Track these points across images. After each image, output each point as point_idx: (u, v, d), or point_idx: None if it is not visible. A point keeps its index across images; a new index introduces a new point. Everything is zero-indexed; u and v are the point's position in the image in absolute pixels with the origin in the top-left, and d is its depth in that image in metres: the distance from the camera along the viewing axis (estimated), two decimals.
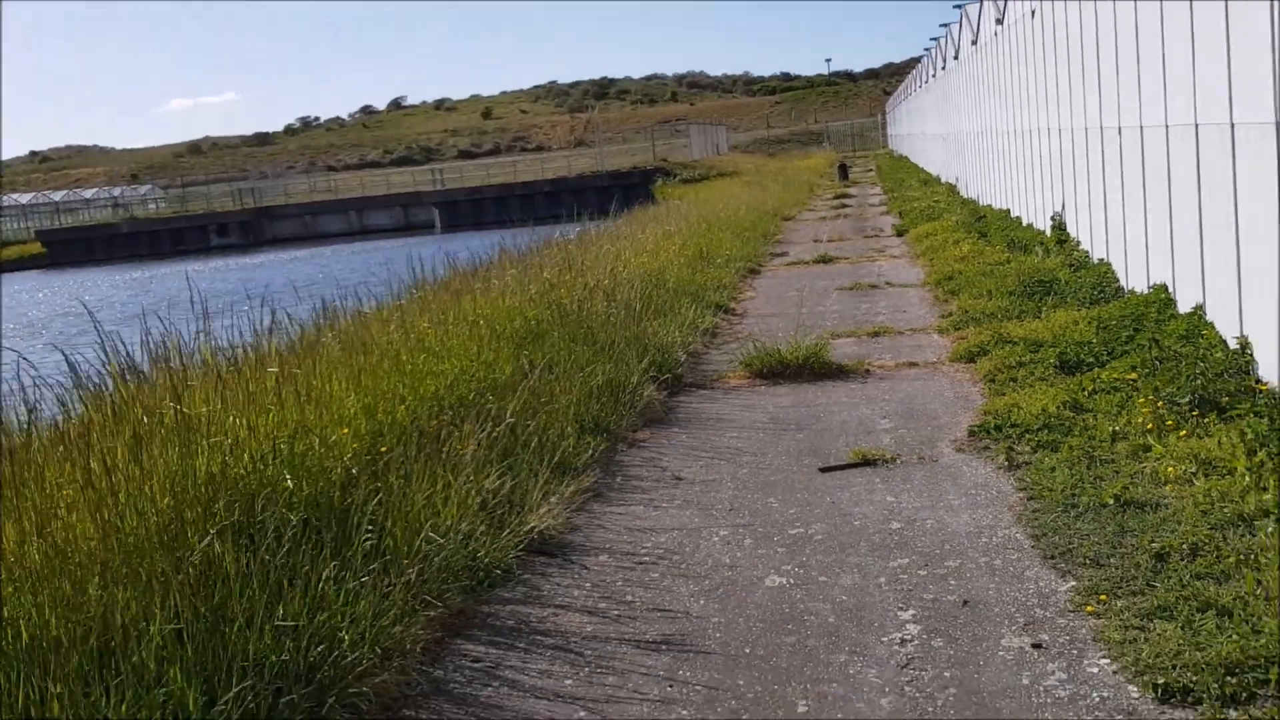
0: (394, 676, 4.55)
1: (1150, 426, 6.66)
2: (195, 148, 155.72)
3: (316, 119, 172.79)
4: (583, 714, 4.27)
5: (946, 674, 4.28)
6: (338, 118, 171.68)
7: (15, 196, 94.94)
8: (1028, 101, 17.12)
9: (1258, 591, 4.47)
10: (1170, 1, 9.09)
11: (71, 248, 66.48)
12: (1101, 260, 12.19)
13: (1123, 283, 11.12)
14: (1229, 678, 3.84)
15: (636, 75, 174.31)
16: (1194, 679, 3.88)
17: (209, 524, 4.51)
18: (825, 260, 18.53)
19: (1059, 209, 14.69)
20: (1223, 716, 3.65)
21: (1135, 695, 3.94)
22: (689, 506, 6.64)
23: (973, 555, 5.42)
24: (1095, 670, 4.17)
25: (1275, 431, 6.15)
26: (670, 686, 4.43)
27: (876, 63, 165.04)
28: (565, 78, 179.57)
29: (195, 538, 4.44)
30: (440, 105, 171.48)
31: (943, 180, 33.25)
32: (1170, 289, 9.53)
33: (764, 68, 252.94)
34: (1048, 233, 15.07)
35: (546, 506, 6.38)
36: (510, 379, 7.82)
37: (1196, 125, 8.61)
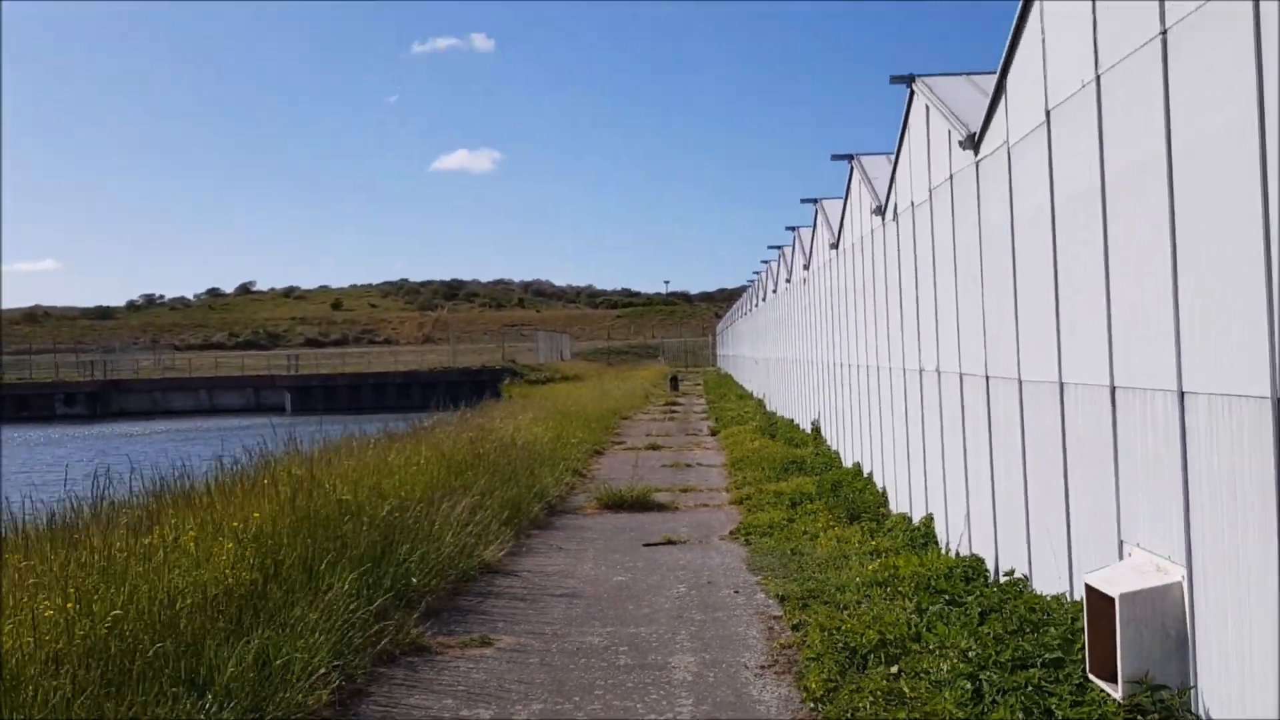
0: (437, 600, 9.46)
1: (822, 526, 12.24)
2: (30, 315, 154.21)
3: (161, 296, 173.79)
4: (532, 612, 9.31)
5: (695, 600, 9.56)
6: (182, 297, 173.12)
7: None
8: (801, 339, 23.67)
9: (837, 576, 9.92)
10: (864, 298, 15.42)
11: None
12: (835, 449, 18.20)
13: (843, 462, 17.06)
14: (808, 595, 9.22)
15: (484, 279, 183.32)
16: (792, 594, 9.25)
17: (360, 518, 9.50)
18: (655, 447, 24.20)
19: (816, 417, 20.87)
20: (800, 606, 9.00)
21: (770, 603, 9.31)
22: (569, 557, 11.79)
23: (718, 571, 10.77)
24: (758, 597, 9.53)
25: (879, 529, 11.85)
26: (568, 607, 9.51)
27: (711, 286, 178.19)
28: (416, 276, 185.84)
29: (349, 521, 9.38)
30: (289, 293, 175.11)
31: (755, 395, 39.96)
32: (862, 465, 15.45)
33: (606, 282, 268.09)
34: (809, 433, 21.18)
35: (489, 551, 11.39)
36: (456, 488, 12.85)
37: (870, 367, 14.72)
